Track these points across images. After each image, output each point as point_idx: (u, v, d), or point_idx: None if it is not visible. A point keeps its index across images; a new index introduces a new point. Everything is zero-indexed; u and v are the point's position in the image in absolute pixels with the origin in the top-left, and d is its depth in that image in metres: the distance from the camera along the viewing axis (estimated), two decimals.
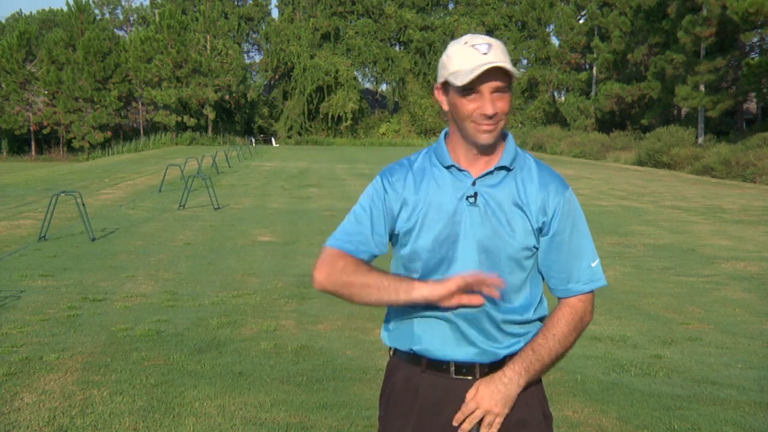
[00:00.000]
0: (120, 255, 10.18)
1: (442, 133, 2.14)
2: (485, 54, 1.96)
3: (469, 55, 1.97)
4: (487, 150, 2.03)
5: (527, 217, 2.02)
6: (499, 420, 1.99)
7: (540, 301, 2.14)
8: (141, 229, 12.75)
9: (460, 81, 1.95)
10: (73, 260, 9.73)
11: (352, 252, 2.05)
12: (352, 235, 2.09)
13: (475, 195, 2.01)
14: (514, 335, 2.07)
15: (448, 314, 2.02)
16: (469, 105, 1.98)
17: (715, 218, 14.96)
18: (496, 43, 1.99)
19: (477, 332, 2.03)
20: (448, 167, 2.05)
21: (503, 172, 2.04)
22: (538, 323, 2.13)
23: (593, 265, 2.10)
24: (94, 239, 11.35)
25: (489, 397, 1.98)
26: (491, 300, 2.00)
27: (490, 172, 2.03)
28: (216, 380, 5.11)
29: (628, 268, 9.57)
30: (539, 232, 2.03)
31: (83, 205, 11.85)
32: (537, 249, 2.05)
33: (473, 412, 1.99)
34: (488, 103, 1.96)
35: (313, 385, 5.05)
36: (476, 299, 1.94)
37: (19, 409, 4.54)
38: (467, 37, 2.04)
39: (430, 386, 2.06)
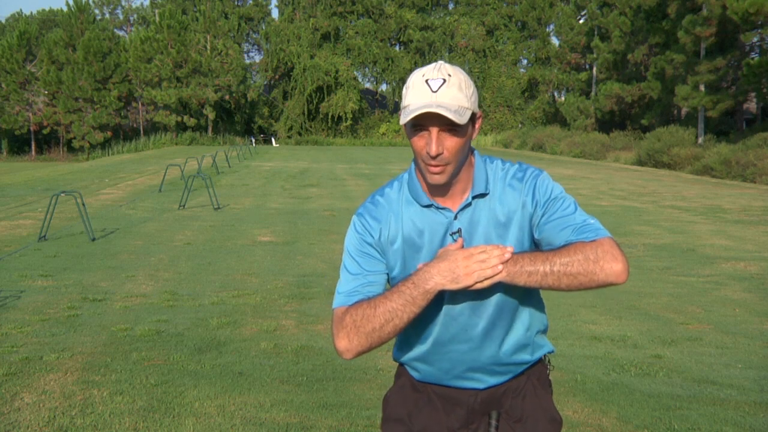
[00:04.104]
0: (120, 255, 10.18)
1: (412, 165, 2.05)
2: (434, 92, 1.87)
3: (420, 91, 1.88)
4: (453, 182, 1.96)
5: (515, 227, 1.97)
6: (493, 263, 1.83)
7: (542, 321, 2.15)
8: (141, 229, 12.75)
9: (402, 118, 1.88)
10: (73, 260, 9.73)
11: (365, 299, 1.95)
12: (354, 288, 1.98)
13: (459, 230, 1.96)
14: (513, 364, 2.09)
15: (448, 362, 2.05)
16: (418, 142, 1.91)
17: (715, 218, 14.96)
18: (454, 79, 1.89)
19: (482, 374, 2.07)
20: (426, 206, 1.99)
21: (480, 199, 1.99)
22: (542, 336, 2.15)
23: (592, 221, 1.95)
24: (94, 239, 11.35)
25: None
26: (491, 343, 2.02)
27: (469, 204, 1.97)
28: (216, 380, 5.11)
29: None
30: (531, 229, 1.98)
31: (83, 205, 11.84)
32: None
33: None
34: (433, 142, 1.87)
35: (313, 385, 5.05)
36: (492, 268, 1.83)
37: (19, 409, 4.54)
38: (429, 69, 1.93)
39: (434, 392, 2.14)
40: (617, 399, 4.86)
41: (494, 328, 2.02)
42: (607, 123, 45.09)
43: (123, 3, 80.00)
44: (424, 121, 1.88)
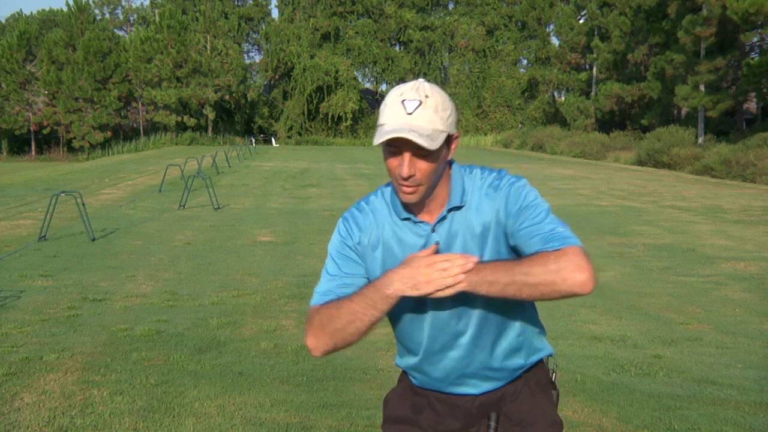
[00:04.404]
0: (120, 255, 10.18)
1: None
2: (409, 114, 1.85)
3: (395, 112, 1.87)
4: (430, 197, 1.97)
5: (492, 237, 1.97)
6: (455, 272, 1.81)
7: (535, 326, 2.12)
8: (141, 229, 12.75)
9: (376, 139, 1.87)
10: (73, 260, 9.73)
11: (335, 299, 1.97)
12: (330, 288, 2.00)
13: (437, 243, 1.95)
14: (507, 370, 2.08)
15: (441, 370, 2.06)
16: (392, 162, 1.90)
17: (715, 218, 14.96)
18: (431, 101, 1.88)
19: (476, 380, 2.08)
20: (404, 219, 2.00)
21: (456, 211, 1.98)
22: (536, 344, 2.13)
23: (561, 229, 1.91)
24: (94, 239, 11.35)
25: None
26: (482, 347, 2.03)
27: (444, 217, 1.98)
28: (216, 380, 5.11)
29: (628, 268, 9.57)
30: (507, 238, 1.97)
31: (83, 205, 11.85)
32: None
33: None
34: (405, 165, 1.87)
35: (313, 385, 5.05)
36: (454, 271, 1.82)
37: (19, 409, 4.54)
38: (408, 88, 1.91)
39: (433, 397, 2.15)
40: (617, 399, 4.86)
41: (482, 335, 2.02)
42: (607, 123, 45.09)
43: (123, 3, 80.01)
44: (397, 143, 1.87)
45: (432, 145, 1.84)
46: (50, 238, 11.46)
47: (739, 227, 13.61)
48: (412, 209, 1.99)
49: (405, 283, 1.84)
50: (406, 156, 1.88)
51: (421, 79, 1.96)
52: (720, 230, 13.19)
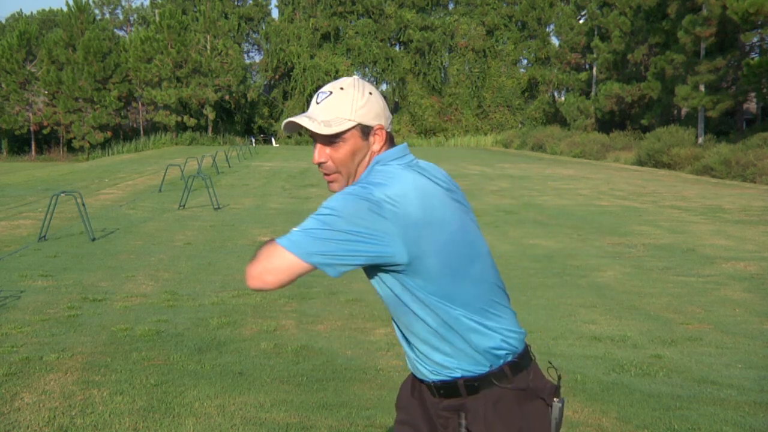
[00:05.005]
0: (120, 255, 10.18)
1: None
2: (317, 104, 2.01)
3: (311, 103, 2.04)
4: None
5: None
6: None
7: (457, 333, 2.02)
8: (141, 229, 12.75)
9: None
10: (73, 260, 9.73)
11: None
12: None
13: None
14: (433, 361, 2.07)
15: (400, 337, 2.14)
16: (313, 152, 2.08)
17: (714, 218, 14.96)
18: (342, 93, 2.00)
19: (417, 364, 2.12)
20: None
21: None
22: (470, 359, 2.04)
23: (294, 229, 1.97)
24: (94, 239, 11.35)
25: None
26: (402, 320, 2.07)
27: None
28: (216, 380, 5.11)
29: (628, 268, 9.57)
30: None
31: (83, 205, 11.84)
32: (391, 265, 1.96)
33: None
34: (315, 152, 2.04)
35: (313, 385, 5.05)
36: None
37: (19, 409, 4.54)
38: (336, 83, 2.05)
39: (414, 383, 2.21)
40: (617, 399, 4.86)
41: (398, 321, 2.10)
42: (607, 123, 45.07)
43: (123, 3, 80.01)
44: (308, 134, 2.02)
45: (323, 129, 1.98)
46: (50, 238, 11.46)
47: (739, 227, 13.61)
48: None
49: None
50: (317, 145, 2.04)
51: (354, 76, 2.07)
52: (720, 230, 13.19)
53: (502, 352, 2.04)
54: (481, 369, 2.03)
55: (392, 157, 2.05)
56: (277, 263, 1.89)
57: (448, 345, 2.03)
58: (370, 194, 1.90)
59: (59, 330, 6.32)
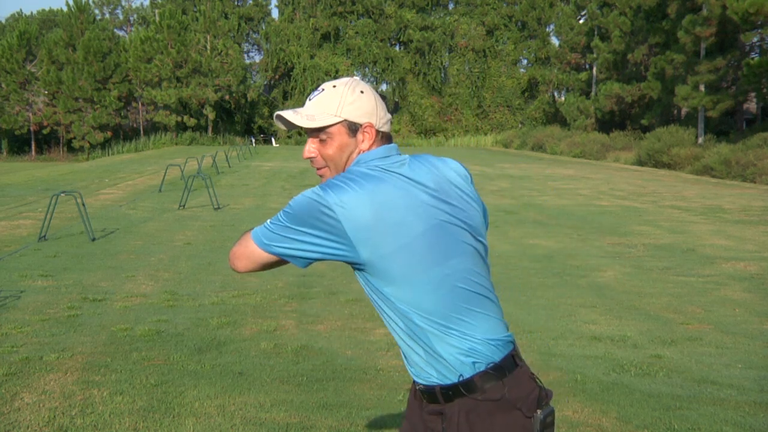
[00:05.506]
0: (120, 255, 10.18)
1: None
2: (309, 100, 2.08)
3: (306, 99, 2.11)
4: None
5: None
6: None
7: (426, 342, 2.00)
8: (141, 229, 12.75)
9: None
10: (73, 260, 9.73)
11: None
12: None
13: None
14: (415, 364, 2.06)
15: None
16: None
17: (714, 218, 14.96)
18: (334, 90, 2.06)
19: (407, 363, 2.13)
20: None
21: None
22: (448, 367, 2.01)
23: (267, 222, 2.06)
24: (94, 239, 11.35)
25: None
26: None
27: None
28: (216, 380, 5.11)
29: (628, 268, 9.57)
30: None
31: (83, 205, 11.84)
32: (354, 264, 2.01)
33: None
34: (306, 146, 2.11)
35: (313, 385, 5.05)
36: None
37: (19, 409, 4.54)
38: (331, 82, 2.11)
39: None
40: (617, 399, 4.86)
41: (381, 313, 2.10)
42: (607, 123, 45.07)
43: (123, 3, 79.99)
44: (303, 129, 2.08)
45: (305, 122, 2.04)
46: (50, 238, 11.46)
47: (739, 227, 13.61)
48: None
49: None
50: (308, 140, 2.10)
51: (354, 77, 2.11)
52: (720, 230, 13.19)
53: (470, 361, 1.98)
54: (451, 378, 2.00)
55: (373, 158, 2.05)
56: (246, 252, 2.06)
57: (420, 349, 2.02)
58: (325, 195, 1.96)
59: (59, 330, 6.32)
